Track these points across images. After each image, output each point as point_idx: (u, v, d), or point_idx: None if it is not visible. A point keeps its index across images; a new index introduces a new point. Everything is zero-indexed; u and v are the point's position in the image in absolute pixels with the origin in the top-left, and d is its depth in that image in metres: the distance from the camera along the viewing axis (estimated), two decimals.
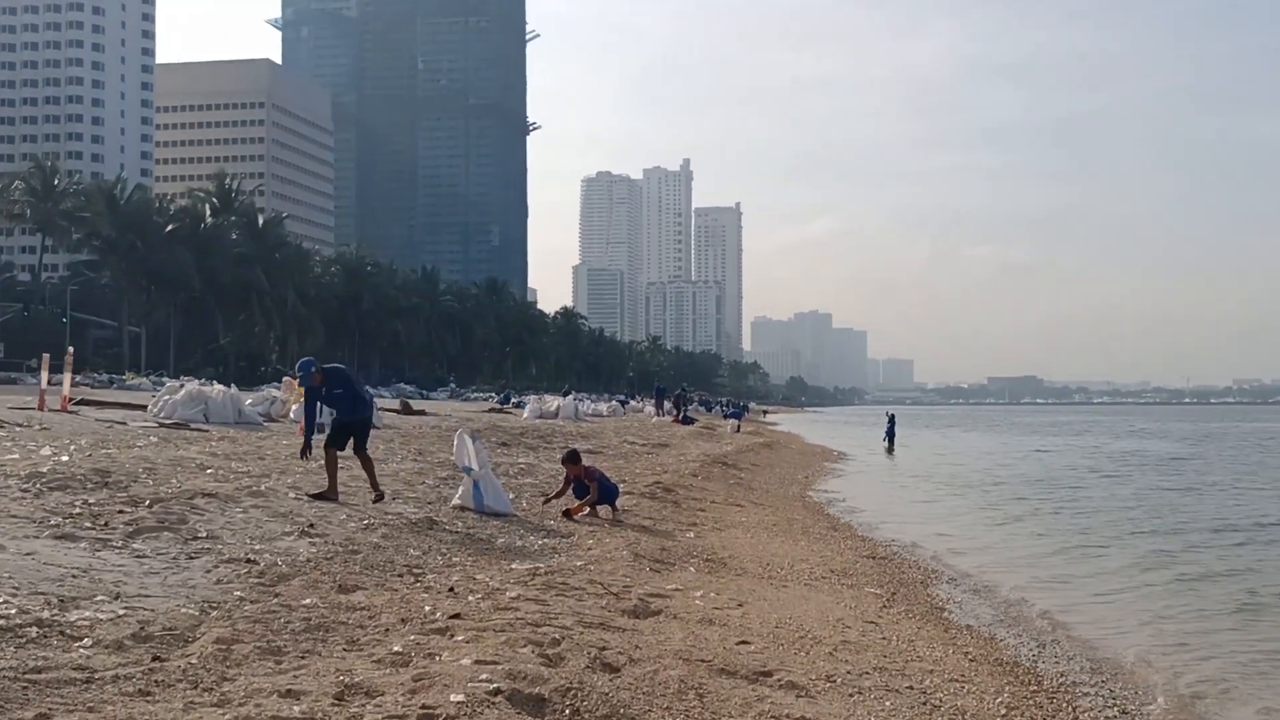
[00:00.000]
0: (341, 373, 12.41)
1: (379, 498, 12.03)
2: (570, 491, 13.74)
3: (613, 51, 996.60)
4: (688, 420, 51.33)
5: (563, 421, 38.38)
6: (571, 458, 13.94)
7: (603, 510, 13.64)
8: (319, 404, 12.80)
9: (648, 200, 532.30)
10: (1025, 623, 10.48)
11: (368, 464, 12.31)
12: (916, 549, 15.44)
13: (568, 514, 13.17)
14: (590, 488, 13.49)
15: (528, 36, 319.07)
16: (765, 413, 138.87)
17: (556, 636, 6.82)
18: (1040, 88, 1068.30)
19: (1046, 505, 23.22)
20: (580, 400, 52.52)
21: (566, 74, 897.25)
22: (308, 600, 7.53)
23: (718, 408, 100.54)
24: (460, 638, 6.73)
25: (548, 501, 14.07)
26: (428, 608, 7.60)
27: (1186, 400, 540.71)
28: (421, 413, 36.43)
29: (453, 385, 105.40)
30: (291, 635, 6.60)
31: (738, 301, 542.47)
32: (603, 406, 57.52)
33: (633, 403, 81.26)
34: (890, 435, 49.87)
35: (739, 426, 51.08)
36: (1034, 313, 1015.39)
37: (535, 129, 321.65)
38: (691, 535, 13.19)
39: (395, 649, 6.39)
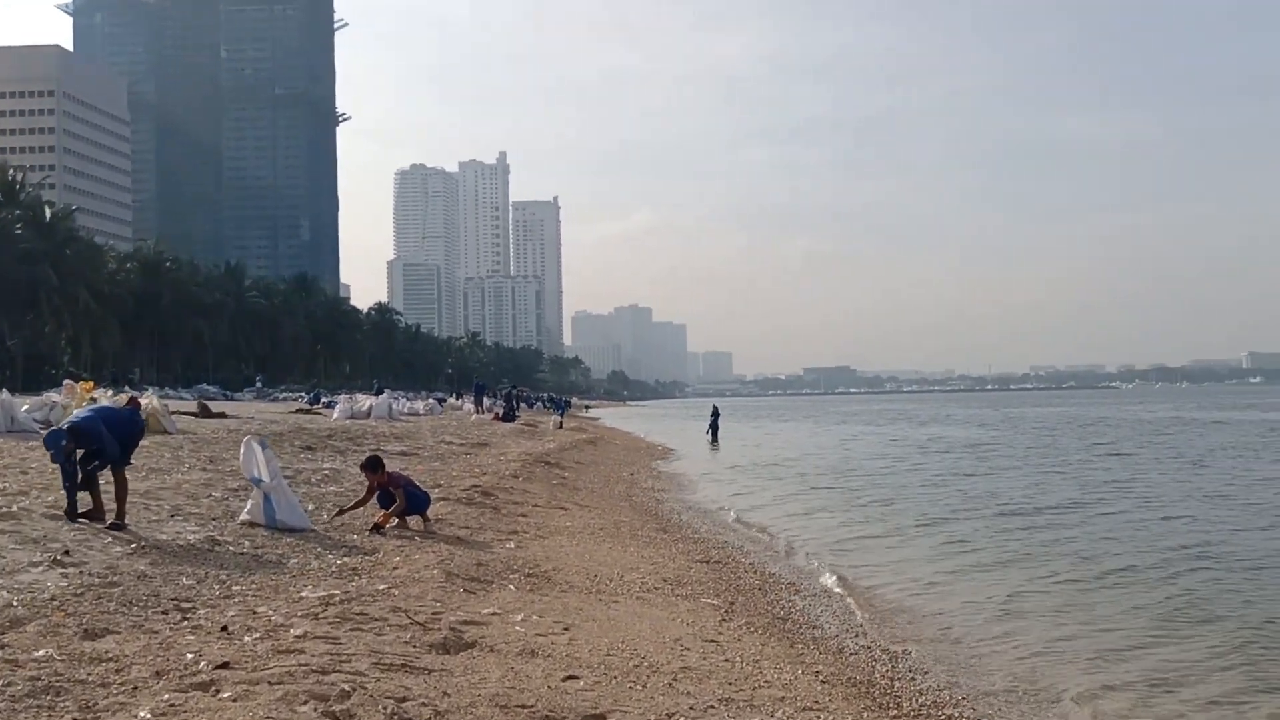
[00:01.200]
0: (88, 427, 10.57)
1: (117, 526, 10.20)
2: (375, 502, 12.47)
3: (424, 43, 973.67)
4: (509, 417, 50.09)
5: (375, 421, 36.58)
6: (372, 464, 12.62)
7: (413, 521, 12.41)
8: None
9: (464, 194, 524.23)
10: (873, 630, 9.79)
11: (122, 485, 10.61)
12: (750, 550, 14.74)
13: (376, 527, 11.90)
14: (396, 496, 12.24)
15: (336, 25, 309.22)
16: (587, 407, 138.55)
17: (346, 687, 5.67)
18: (847, 85, 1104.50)
19: (865, 493, 23.37)
20: (395, 399, 50.55)
21: (377, 65, 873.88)
22: (41, 652, 6.17)
23: (539, 403, 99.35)
24: (226, 694, 5.52)
25: (341, 514, 12.66)
26: (191, 655, 6.32)
27: (989, 387, 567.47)
28: (222, 415, 34.07)
29: (259, 385, 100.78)
30: (9, 703, 5.27)
31: (558, 296, 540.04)
32: (419, 405, 55.57)
33: (451, 400, 79.22)
34: (714, 428, 49.83)
35: (561, 422, 50.11)
36: (846, 305, 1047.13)
37: (345, 120, 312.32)
38: (512, 545, 12.07)
39: (141, 715, 5.15)
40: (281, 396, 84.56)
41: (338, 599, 8.08)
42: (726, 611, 9.80)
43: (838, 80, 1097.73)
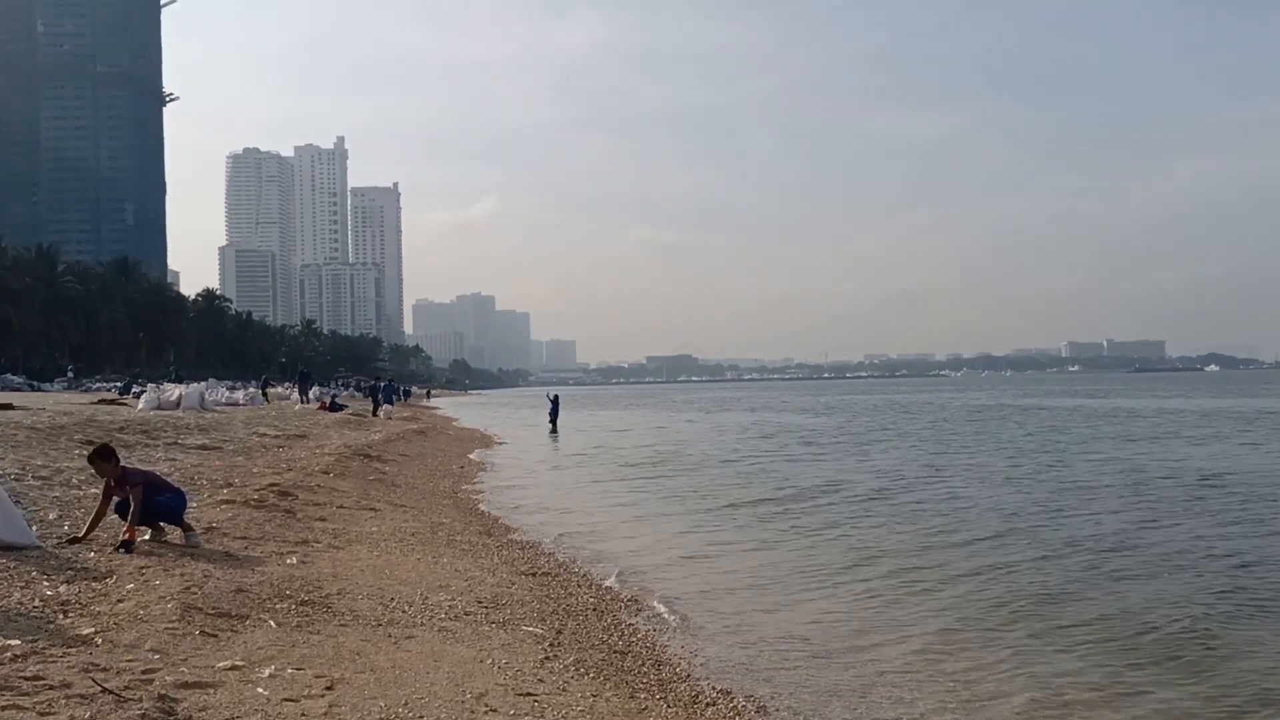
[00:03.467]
0: None
1: None
2: (114, 511, 9.91)
3: (259, 25, 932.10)
4: (335, 407, 47.22)
5: (183, 413, 33.45)
6: (103, 454, 9.93)
7: (173, 530, 10.09)
8: None
9: (300, 179, 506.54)
10: (730, 662, 8.03)
11: None
12: (584, 560, 12.78)
13: (125, 545, 9.29)
14: (131, 496, 9.63)
15: (163, 2, 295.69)
16: (429, 395, 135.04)
17: None
18: (682, 78, 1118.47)
19: (711, 485, 22.03)
20: (212, 388, 47.07)
21: (209, 46, 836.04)
22: None
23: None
24: None
25: (76, 541, 9.52)
26: None
27: (826, 375, 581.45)
28: (9, 407, 30.55)
29: (72, 375, 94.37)
30: None
31: (398, 284, 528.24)
32: (239, 394, 52.02)
33: (280, 390, 75.26)
34: (554, 417, 48.04)
35: (390, 412, 47.41)
36: (686, 294, 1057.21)
37: (173, 100, 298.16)
38: (294, 560, 9.87)
39: None
40: (95, 387, 79.15)
41: (10, 655, 5.87)
42: (552, 642, 7.91)
43: (673, 73, 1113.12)
